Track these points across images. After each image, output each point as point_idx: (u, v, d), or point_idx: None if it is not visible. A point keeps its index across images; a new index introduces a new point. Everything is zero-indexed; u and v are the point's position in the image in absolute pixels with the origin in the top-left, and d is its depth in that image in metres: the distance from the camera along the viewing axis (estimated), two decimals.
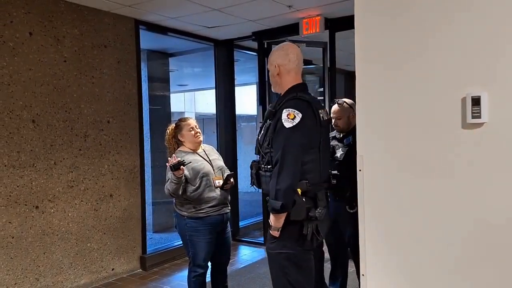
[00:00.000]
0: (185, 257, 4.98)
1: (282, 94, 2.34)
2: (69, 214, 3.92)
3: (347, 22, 4.63)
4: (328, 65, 4.98)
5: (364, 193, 2.01)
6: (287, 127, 2.13)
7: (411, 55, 1.86)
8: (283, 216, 2.17)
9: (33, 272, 3.66)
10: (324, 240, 2.50)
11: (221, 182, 3.15)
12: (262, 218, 5.59)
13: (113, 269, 4.32)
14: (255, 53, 6.15)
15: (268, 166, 2.23)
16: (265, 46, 5.28)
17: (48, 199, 3.75)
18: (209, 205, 3.10)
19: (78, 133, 4.00)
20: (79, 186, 4.00)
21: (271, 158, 2.21)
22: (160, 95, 6.57)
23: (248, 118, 11.38)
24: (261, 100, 5.36)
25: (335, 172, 2.91)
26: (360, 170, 2.00)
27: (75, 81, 3.98)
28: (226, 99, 5.79)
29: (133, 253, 4.52)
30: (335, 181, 2.50)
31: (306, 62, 5.80)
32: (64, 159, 3.88)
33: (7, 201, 3.48)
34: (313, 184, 2.22)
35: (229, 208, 3.25)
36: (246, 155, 7.93)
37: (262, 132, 2.36)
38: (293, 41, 4.78)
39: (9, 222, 3.50)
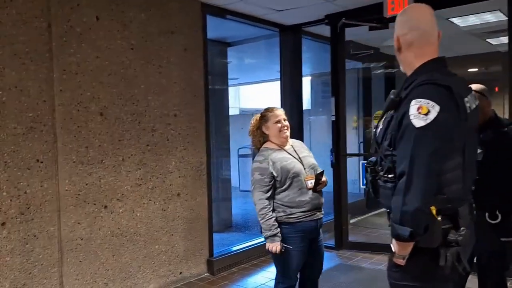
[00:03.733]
0: (253, 261, 4.64)
1: (409, 75, 1.76)
2: (138, 214, 3.63)
3: None
4: None
5: None
6: (417, 126, 1.55)
7: None
8: (411, 244, 1.63)
9: (102, 277, 3.39)
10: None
11: (313, 182, 2.76)
12: (332, 218, 5.16)
13: (180, 273, 4.01)
14: (317, 40, 5.72)
15: (389, 175, 1.69)
16: (338, 30, 4.82)
17: (117, 198, 3.47)
18: (301, 210, 2.71)
19: (145, 127, 3.70)
20: (147, 184, 3.71)
21: (393, 164, 1.67)
22: (217, 89, 6.21)
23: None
24: (334, 91, 4.92)
25: None
26: None
27: (142, 70, 3.68)
28: (292, 91, 5.36)
29: (200, 256, 4.20)
30: (473, 187, 2.02)
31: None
32: (132, 155, 3.59)
33: (76, 200, 3.22)
34: (454, 199, 1.64)
35: (323, 213, 2.85)
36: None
37: (381, 126, 1.80)
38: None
39: (78, 223, 3.24)
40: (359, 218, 6.75)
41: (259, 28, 5.21)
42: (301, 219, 2.71)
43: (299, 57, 5.31)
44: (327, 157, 5.07)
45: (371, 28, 4.65)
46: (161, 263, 3.83)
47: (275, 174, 2.70)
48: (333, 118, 4.96)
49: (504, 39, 4.86)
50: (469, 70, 7.32)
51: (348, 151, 5.22)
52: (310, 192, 2.73)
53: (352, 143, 7.63)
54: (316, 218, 2.78)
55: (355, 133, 7.91)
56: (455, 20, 5.09)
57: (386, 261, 4.68)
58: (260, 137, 2.91)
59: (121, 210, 3.49)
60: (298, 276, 2.90)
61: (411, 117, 1.57)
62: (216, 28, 5.25)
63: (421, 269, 1.68)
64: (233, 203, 6.67)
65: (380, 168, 1.77)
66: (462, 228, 1.66)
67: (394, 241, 1.66)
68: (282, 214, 2.72)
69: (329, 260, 4.71)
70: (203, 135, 4.23)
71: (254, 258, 4.65)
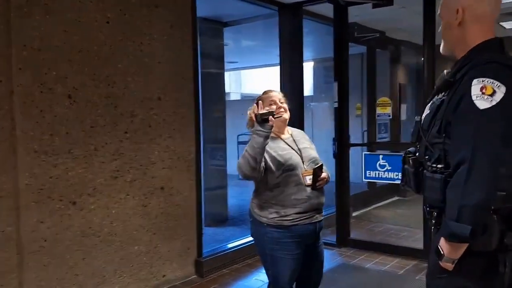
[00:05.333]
0: (247, 260, 4.24)
1: (464, 55, 1.55)
2: (113, 211, 3.21)
3: None
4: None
5: None
6: (481, 108, 1.38)
7: None
8: (466, 245, 1.44)
9: (70, 283, 2.99)
10: None
11: (312, 178, 2.33)
12: (334, 211, 4.75)
13: (164, 276, 3.61)
14: (320, 22, 5.28)
15: (439, 166, 1.52)
16: (340, 8, 4.36)
17: (88, 193, 3.05)
18: (297, 210, 2.29)
19: (123, 112, 3.27)
20: (125, 177, 3.28)
21: (445, 153, 1.50)
22: (213, 72, 5.76)
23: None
24: (337, 75, 4.46)
25: None
26: None
27: (120, 48, 3.23)
28: (292, 76, 4.89)
29: (187, 257, 3.80)
30: None
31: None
32: (106, 144, 3.16)
33: (39, 196, 2.80)
34: (511, 197, 1.42)
35: (323, 215, 2.43)
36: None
37: (428, 111, 1.64)
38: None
39: (41, 222, 2.82)
40: (362, 211, 6.37)
41: (256, 6, 4.75)
42: (296, 222, 2.30)
43: (299, 39, 4.83)
44: (330, 145, 4.66)
45: (374, 6, 4.23)
46: (141, 265, 3.43)
47: (268, 162, 2.27)
48: (336, 105, 4.52)
49: None
50: None
51: (352, 140, 4.78)
52: (309, 189, 2.31)
53: (356, 131, 7.22)
54: (315, 221, 2.36)
55: (359, 121, 7.48)
56: None
57: (390, 262, 4.30)
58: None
59: (93, 207, 3.08)
60: (294, 287, 2.50)
61: (474, 98, 1.40)
62: (209, 4, 4.80)
63: (474, 277, 1.49)
64: (230, 193, 6.28)
65: (427, 157, 1.60)
66: None
67: (443, 241, 1.48)
68: (275, 215, 2.30)
69: (330, 259, 4.32)
70: (191, 122, 3.80)
71: (249, 257, 4.24)
